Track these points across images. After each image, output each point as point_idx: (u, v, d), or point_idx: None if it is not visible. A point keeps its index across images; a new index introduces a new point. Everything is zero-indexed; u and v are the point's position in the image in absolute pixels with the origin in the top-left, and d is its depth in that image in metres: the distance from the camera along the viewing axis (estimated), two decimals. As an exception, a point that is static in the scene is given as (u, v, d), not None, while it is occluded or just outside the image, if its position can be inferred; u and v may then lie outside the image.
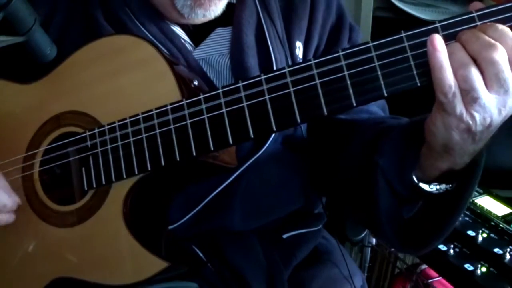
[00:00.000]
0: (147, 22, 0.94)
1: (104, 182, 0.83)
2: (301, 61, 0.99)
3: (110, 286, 0.83)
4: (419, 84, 0.69)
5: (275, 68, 0.95)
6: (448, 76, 0.66)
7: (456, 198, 0.76)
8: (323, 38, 1.03)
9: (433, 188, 0.78)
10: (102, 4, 0.95)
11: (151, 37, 0.93)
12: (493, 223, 1.31)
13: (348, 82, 0.70)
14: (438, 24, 0.69)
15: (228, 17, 0.97)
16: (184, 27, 0.97)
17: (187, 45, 0.96)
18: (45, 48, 0.81)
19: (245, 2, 0.97)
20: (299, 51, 1.00)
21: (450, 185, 0.77)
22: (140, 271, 0.81)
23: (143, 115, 0.80)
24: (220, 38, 0.97)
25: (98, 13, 0.94)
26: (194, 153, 0.77)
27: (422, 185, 0.78)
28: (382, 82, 0.70)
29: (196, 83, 0.86)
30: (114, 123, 0.82)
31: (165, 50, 0.91)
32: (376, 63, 0.70)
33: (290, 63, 0.97)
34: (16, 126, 0.91)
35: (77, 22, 0.95)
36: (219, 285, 0.93)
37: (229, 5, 0.96)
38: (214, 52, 0.96)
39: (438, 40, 0.66)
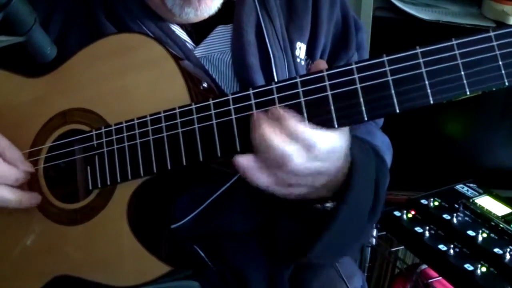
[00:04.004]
0: (147, 22, 0.94)
1: (109, 183, 0.82)
2: (302, 62, 0.99)
3: (111, 286, 0.83)
4: (432, 102, 0.68)
5: (273, 67, 0.94)
6: None
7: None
8: (329, 37, 1.02)
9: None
10: (104, 3, 0.94)
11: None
12: (493, 223, 1.31)
13: (361, 98, 0.69)
14: (454, 42, 0.67)
15: (229, 15, 0.96)
16: (182, 27, 0.97)
17: (188, 45, 0.96)
18: (45, 48, 0.80)
19: None
20: (300, 52, 0.99)
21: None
22: (142, 273, 0.81)
23: (151, 117, 0.79)
24: (221, 36, 0.96)
25: (100, 12, 0.94)
26: (201, 159, 0.76)
27: None
28: (395, 100, 0.68)
29: (205, 85, 0.85)
30: (121, 123, 0.81)
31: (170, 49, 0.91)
32: (390, 78, 0.69)
33: (289, 64, 0.97)
34: (22, 120, 0.90)
35: (78, 21, 0.95)
36: (220, 285, 0.93)
37: (230, 2, 0.96)
38: (215, 50, 0.96)
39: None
